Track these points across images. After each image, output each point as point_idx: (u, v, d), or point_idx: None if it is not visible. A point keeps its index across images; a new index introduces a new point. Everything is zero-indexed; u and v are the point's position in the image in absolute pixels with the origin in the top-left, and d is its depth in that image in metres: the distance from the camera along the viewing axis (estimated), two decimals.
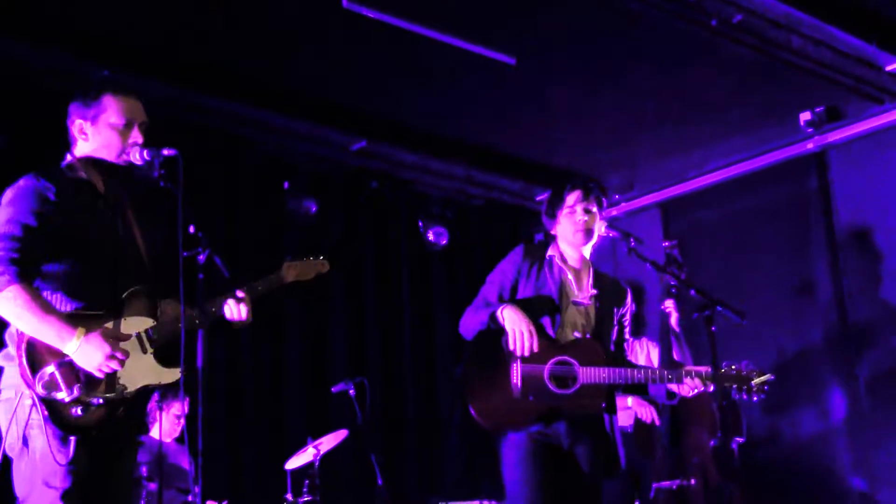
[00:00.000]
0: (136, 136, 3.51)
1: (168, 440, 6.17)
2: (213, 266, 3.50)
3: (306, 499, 6.01)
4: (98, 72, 5.95)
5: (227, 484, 6.73)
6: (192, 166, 3.45)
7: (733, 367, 4.13)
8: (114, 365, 3.22)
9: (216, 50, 6.25)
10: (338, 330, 7.83)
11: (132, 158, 3.48)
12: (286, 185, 7.50)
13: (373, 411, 6.70)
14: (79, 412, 3.19)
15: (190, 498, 6.00)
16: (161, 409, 6.01)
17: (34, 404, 3.17)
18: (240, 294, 3.65)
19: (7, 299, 3.16)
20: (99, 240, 3.43)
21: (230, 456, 6.88)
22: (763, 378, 4.13)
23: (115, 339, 3.27)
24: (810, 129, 7.41)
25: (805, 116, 7.36)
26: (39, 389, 3.15)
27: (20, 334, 3.20)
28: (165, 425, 6.11)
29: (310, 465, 6.22)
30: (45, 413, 3.15)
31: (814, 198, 7.63)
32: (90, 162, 3.51)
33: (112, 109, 3.50)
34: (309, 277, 4.08)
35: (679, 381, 4.12)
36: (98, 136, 3.50)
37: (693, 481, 5.82)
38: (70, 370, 3.20)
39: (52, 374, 3.17)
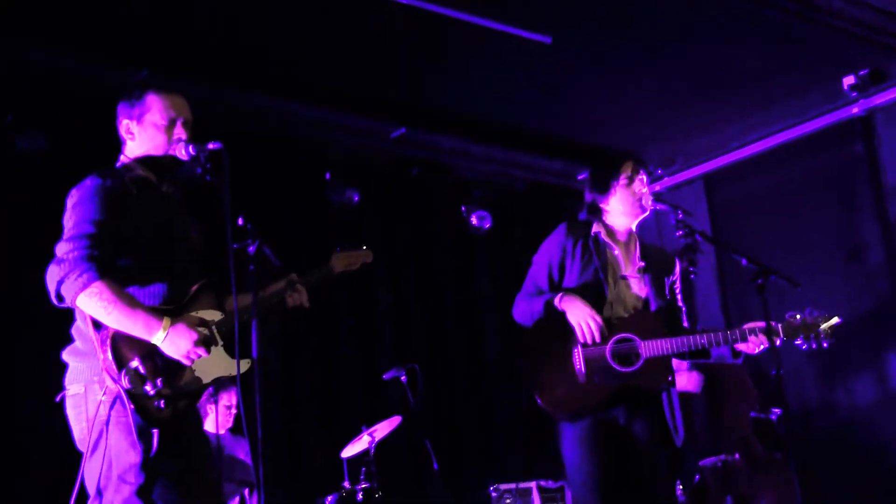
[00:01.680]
0: (180, 131, 3.54)
1: (222, 432, 6.23)
2: (263, 257, 3.53)
3: (364, 486, 6.03)
4: (136, 73, 6.01)
5: (285, 474, 6.79)
6: (233, 162, 3.48)
7: (798, 316, 4.06)
8: (201, 352, 3.28)
9: (250, 45, 6.27)
10: (387, 317, 7.85)
11: (177, 154, 3.52)
12: (328, 175, 7.52)
13: (425, 397, 6.71)
14: (162, 405, 3.25)
15: (247, 490, 6.07)
16: (212, 402, 6.07)
17: (117, 398, 3.22)
18: (296, 280, 3.71)
19: (93, 295, 3.20)
20: (161, 236, 3.48)
21: (286, 446, 6.93)
22: (831, 322, 4.05)
23: (199, 325, 3.34)
24: (854, 93, 7.30)
25: (849, 80, 7.26)
26: (125, 383, 3.20)
27: (104, 331, 3.24)
28: (219, 417, 6.17)
29: (365, 452, 6.25)
30: (132, 407, 3.20)
31: (860, 162, 7.53)
32: (143, 160, 3.56)
33: (156, 107, 3.55)
34: (355, 267, 4.12)
35: (744, 340, 4.08)
36: (143, 134, 3.55)
37: (737, 456, 5.77)
38: (152, 363, 3.26)
39: (136, 368, 3.23)
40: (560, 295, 4.17)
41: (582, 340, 4.09)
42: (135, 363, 3.23)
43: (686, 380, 5.94)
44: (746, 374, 5.95)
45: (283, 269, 3.70)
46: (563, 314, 4.16)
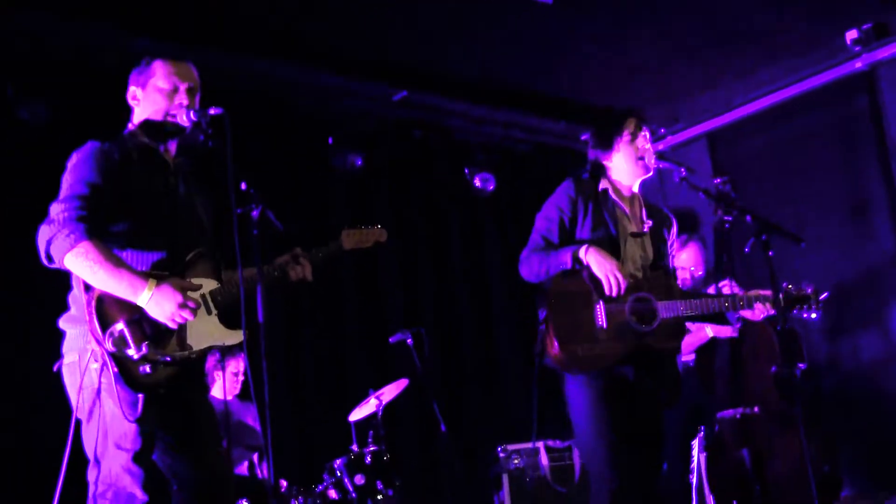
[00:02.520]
0: (182, 97, 3.54)
1: (230, 398, 6.27)
2: (267, 221, 3.54)
3: (372, 449, 6.07)
4: (136, 41, 5.97)
5: (293, 438, 6.83)
6: (236, 128, 3.47)
7: (790, 287, 4.19)
8: (186, 314, 3.26)
9: (249, 9, 6.23)
10: (393, 280, 7.86)
11: (179, 120, 3.52)
12: (330, 140, 7.50)
13: (431, 359, 6.73)
14: (147, 370, 3.24)
15: (256, 455, 6.12)
16: (219, 369, 6.09)
17: (104, 364, 3.21)
18: (300, 254, 3.71)
19: (79, 254, 3.19)
20: (161, 202, 3.48)
21: (294, 410, 6.97)
22: (821, 295, 4.21)
23: (186, 289, 3.31)
24: (857, 48, 7.24)
25: (851, 35, 7.19)
26: (109, 346, 3.19)
27: (90, 292, 3.24)
28: (227, 384, 6.19)
29: (373, 415, 6.29)
30: (115, 370, 3.19)
31: (864, 117, 7.48)
32: (147, 127, 3.56)
33: (160, 73, 3.56)
34: (367, 245, 4.12)
35: (750, 307, 4.15)
36: (146, 99, 3.56)
37: (756, 409, 5.80)
38: (138, 328, 3.25)
39: (121, 331, 3.22)
40: (585, 247, 4.11)
41: (608, 293, 4.07)
42: (119, 326, 3.22)
43: (722, 327, 5.94)
44: (771, 328, 5.95)
45: (287, 239, 3.70)
46: (582, 269, 4.12)
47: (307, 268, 3.78)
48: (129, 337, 3.22)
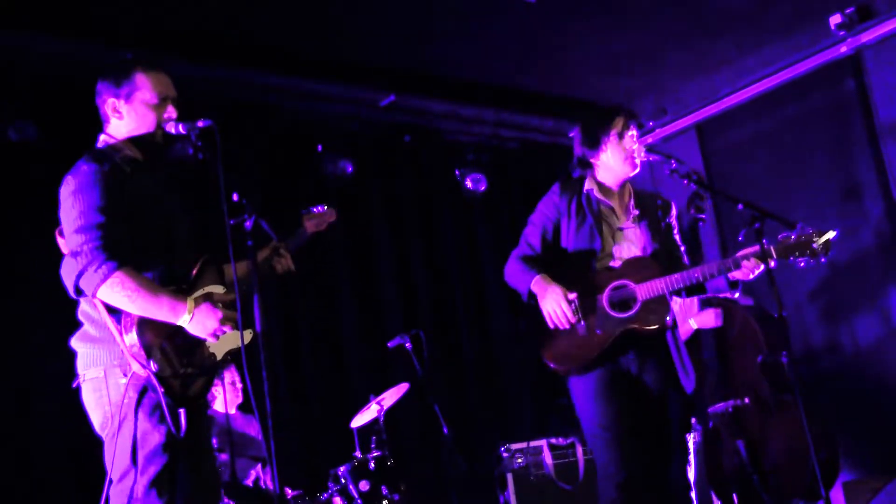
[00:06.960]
0: (171, 111, 3.54)
1: (232, 411, 6.26)
2: (260, 231, 3.54)
3: (375, 454, 6.06)
4: (120, 54, 5.95)
5: (296, 447, 6.82)
6: (225, 139, 3.46)
7: (791, 236, 4.00)
8: (227, 329, 3.31)
9: (234, 20, 6.23)
10: (388, 285, 7.85)
11: (169, 131, 3.51)
12: (319, 148, 7.49)
13: (431, 362, 6.72)
14: (187, 384, 3.30)
15: (260, 466, 6.10)
16: (217, 383, 6.08)
17: (147, 381, 3.24)
18: (279, 246, 3.79)
19: (114, 285, 3.19)
20: (157, 216, 3.48)
21: (296, 419, 6.95)
22: (826, 237, 3.98)
23: (222, 303, 3.36)
24: (842, 32, 7.25)
25: (835, 20, 7.21)
26: (153, 367, 3.23)
27: (127, 317, 3.25)
28: (227, 395, 6.18)
29: (375, 421, 6.28)
30: (162, 389, 3.22)
31: (852, 100, 7.49)
32: (132, 140, 3.54)
33: (146, 86, 3.52)
34: (322, 228, 4.23)
35: (737, 268, 4.05)
36: (133, 113, 3.52)
37: (747, 400, 5.81)
38: (174, 344, 3.29)
39: (162, 352, 3.26)
40: (536, 278, 4.21)
41: (552, 327, 4.16)
42: (161, 346, 3.26)
43: (704, 318, 5.95)
44: (752, 317, 5.96)
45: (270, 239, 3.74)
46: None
47: (289, 259, 3.85)
48: (171, 355, 3.28)
